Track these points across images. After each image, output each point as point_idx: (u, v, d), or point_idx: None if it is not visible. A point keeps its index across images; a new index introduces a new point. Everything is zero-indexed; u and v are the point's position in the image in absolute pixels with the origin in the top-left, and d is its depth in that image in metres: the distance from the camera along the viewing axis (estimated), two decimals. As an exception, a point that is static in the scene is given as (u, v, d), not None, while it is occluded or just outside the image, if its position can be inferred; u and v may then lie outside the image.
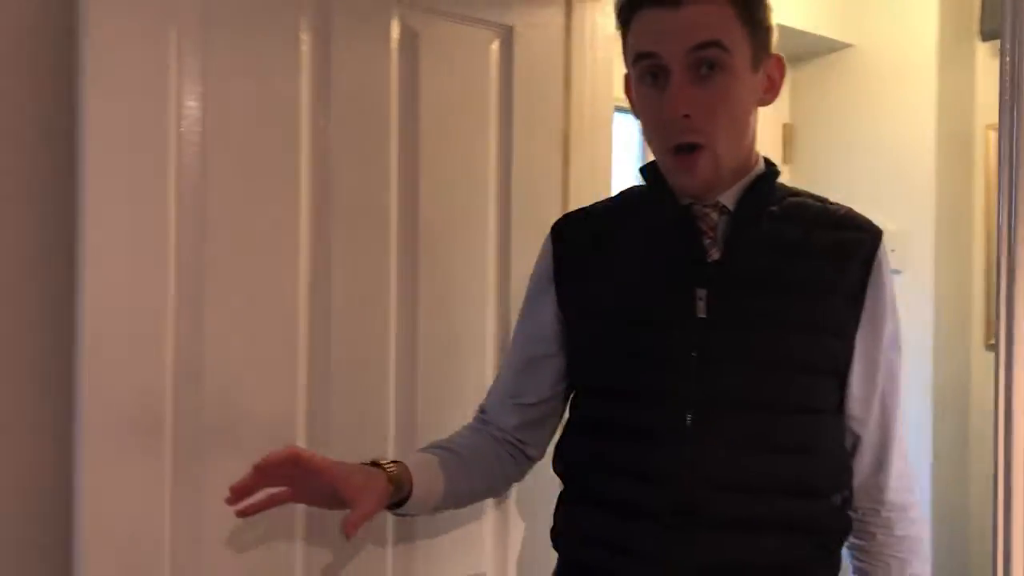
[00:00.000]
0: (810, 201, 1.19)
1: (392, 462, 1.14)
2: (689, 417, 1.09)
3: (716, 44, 1.07)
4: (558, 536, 1.23)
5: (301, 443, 1.30)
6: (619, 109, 1.63)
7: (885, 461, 1.17)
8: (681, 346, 1.10)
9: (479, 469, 1.25)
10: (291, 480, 1.07)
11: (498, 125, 1.50)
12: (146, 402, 1.19)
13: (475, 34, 1.33)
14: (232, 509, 1.06)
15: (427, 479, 1.18)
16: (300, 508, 1.26)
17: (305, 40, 1.33)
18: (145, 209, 1.20)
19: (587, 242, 1.23)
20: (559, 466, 1.25)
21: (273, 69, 1.31)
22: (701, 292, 1.11)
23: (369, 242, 1.40)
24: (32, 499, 1.20)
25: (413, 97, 1.41)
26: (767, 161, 1.20)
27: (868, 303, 1.13)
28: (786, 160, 2.48)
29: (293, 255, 1.33)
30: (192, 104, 1.24)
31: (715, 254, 1.13)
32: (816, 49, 2.42)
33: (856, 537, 1.19)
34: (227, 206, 1.27)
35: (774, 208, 1.15)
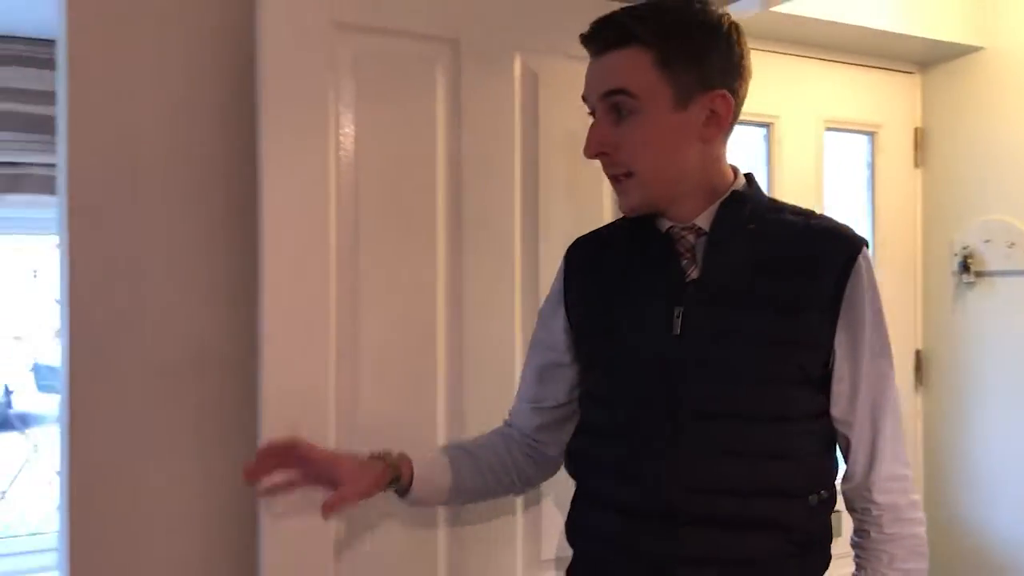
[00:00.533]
0: (790, 217, 1.23)
1: (398, 455, 1.29)
2: (668, 426, 1.17)
3: (622, 91, 1.16)
4: (568, 531, 1.33)
5: (441, 434, 1.56)
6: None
7: (875, 463, 1.20)
8: (657, 361, 1.19)
9: (491, 468, 1.37)
10: (299, 465, 1.25)
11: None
12: (314, 384, 1.46)
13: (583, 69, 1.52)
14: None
15: (431, 473, 1.31)
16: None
17: (440, 81, 1.56)
18: (310, 220, 1.46)
19: (588, 264, 1.33)
20: (569, 467, 1.35)
21: (413, 102, 1.55)
22: (678, 310, 1.18)
23: (495, 249, 1.62)
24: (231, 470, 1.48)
25: (533, 124, 1.63)
26: (749, 179, 1.26)
27: (845, 313, 1.16)
28: (918, 164, 2.49)
29: (432, 258, 1.58)
30: (347, 131, 1.50)
31: (693, 273, 1.20)
32: (946, 54, 2.42)
33: (855, 535, 1.24)
34: (376, 218, 1.53)
35: (752, 226, 1.21)
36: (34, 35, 2.31)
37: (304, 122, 1.45)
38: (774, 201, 1.28)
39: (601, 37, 1.18)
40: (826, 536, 1.23)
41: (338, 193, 1.48)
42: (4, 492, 2.54)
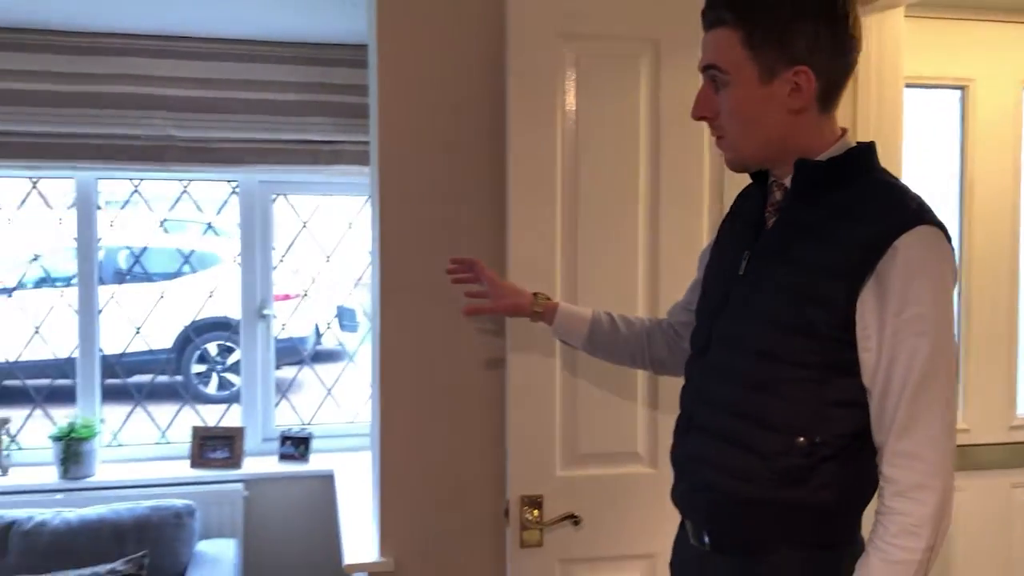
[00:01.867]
0: (863, 189, 1.28)
1: (550, 298, 1.77)
2: (704, 348, 1.42)
3: (714, 67, 1.32)
4: None
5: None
6: (911, 85, 2.00)
7: (888, 436, 1.22)
8: (721, 293, 1.41)
9: (626, 338, 1.71)
10: (477, 278, 1.81)
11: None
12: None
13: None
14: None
15: (569, 321, 1.73)
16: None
17: (643, 75, 1.99)
18: (543, 182, 1.96)
19: (734, 205, 1.54)
20: None
21: (621, 92, 1.99)
22: (747, 253, 1.38)
23: (685, 215, 2.02)
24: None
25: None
26: (859, 148, 1.33)
27: (874, 287, 1.21)
28: None
29: (634, 223, 2.01)
30: (570, 116, 1.97)
31: (770, 224, 1.37)
32: None
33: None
34: (591, 182, 1.99)
35: (829, 193, 1.29)
36: (346, 41, 3.00)
37: (538, 108, 1.95)
38: (871, 172, 1.32)
39: (704, 19, 1.35)
40: (816, 478, 1.27)
41: (563, 162, 1.97)
42: (319, 405, 3.34)
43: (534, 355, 1.97)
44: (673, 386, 1.56)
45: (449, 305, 2.04)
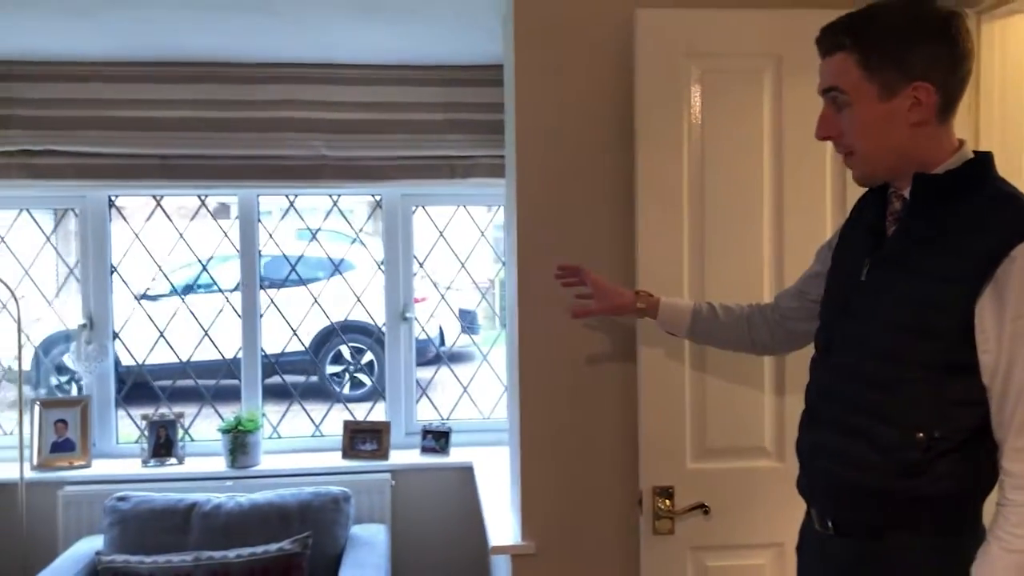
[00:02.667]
0: (981, 200, 1.34)
1: (651, 295, 1.92)
2: (829, 348, 1.52)
3: (835, 89, 1.41)
4: None
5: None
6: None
7: (1007, 433, 1.30)
8: (843, 297, 1.50)
9: (725, 322, 1.83)
10: (582, 281, 1.98)
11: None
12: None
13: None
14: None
15: (672, 314, 1.88)
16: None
17: (767, 88, 2.10)
18: (670, 189, 2.10)
19: (854, 211, 1.61)
20: None
21: (744, 106, 2.10)
22: (867, 261, 1.46)
23: (808, 224, 2.11)
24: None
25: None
26: (976, 159, 1.39)
27: (991, 295, 1.28)
28: None
29: (758, 231, 2.12)
30: (695, 128, 2.10)
31: (890, 230, 1.45)
32: None
33: None
34: (716, 190, 2.11)
35: (947, 204, 1.36)
36: (480, 63, 3.19)
37: (665, 122, 2.08)
38: (989, 182, 1.38)
39: (820, 45, 1.44)
40: (934, 471, 1.34)
41: (689, 174, 2.10)
42: (454, 405, 3.56)
43: (664, 355, 2.11)
44: (798, 384, 1.66)
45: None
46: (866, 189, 1.54)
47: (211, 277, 3.91)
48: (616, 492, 2.25)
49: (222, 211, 3.49)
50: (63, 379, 6.76)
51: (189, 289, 4.62)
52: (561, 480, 2.26)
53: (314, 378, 4.47)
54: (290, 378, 3.74)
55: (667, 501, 2.09)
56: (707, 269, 2.12)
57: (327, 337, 7.01)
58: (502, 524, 2.43)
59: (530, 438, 2.26)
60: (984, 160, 1.40)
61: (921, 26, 1.36)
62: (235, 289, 3.45)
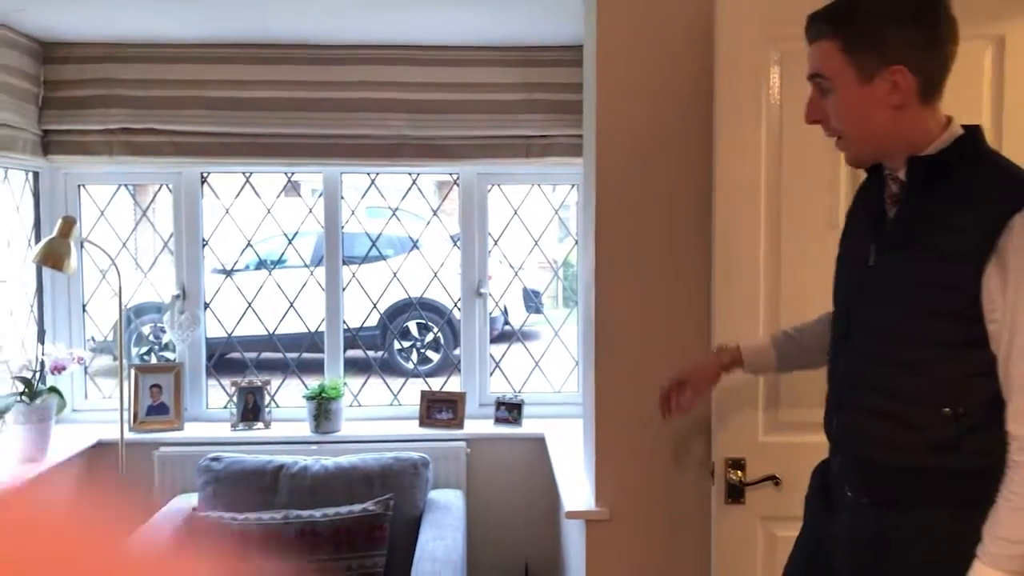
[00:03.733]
0: (975, 176, 1.39)
1: (732, 348, 1.89)
2: (846, 334, 1.56)
3: (819, 75, 1.47)
4: None
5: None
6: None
7: (1010, 394, 1.35)
8: (855, 284, 1.55)
9: (808, 344, 1.84)
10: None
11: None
12: (752, 305, 2.15)
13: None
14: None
15: (756, 357, 1.88)
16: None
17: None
18: (747, 169, 2.14)
19: (856, 196, 1.67)
20: None
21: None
22: (873, 246, 1.51)
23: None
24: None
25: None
26: (966, 135, 1.43)
27: (995, 265, 1.32)
28: None
29: (836, 217, 2.13)
30: (773, 109, 2.14)
31: (891, 212, 1.50)
32: None
33: None
34: (795, 182, 2.14)
35: (942, 182, 1.41)
36: (557, 43, 3.26)
37: (744, 104, 2.13)
38: (981, 156, 1.43)
39: (808, 32, 1.50)
40: (965, 445, 1.40)
41: (767, 154, 2.14)
42: (528, 378, 3.66)
43: (738, 330, 2.16)
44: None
45: (657, 282, 2.27)
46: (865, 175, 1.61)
47: (297, 252, 4.07)
48: (688, 462, 2.33)
49: (291, 190, 3.62)
50: (143, 350, 7.08)
51: (263, 265, 4.80)
52: (634, 450, 2.34)
53: (383, 353, 4.62)
54: (362, 353, 3.88)
55: (738, 472, 2.15)
56: (784, 254, 2.15)
57: (395, 315, 7.21)
58: (575, 492, 2.53)
59: (604, 409, 2.35)
60: (974, 135, 1.44)
61: (898, 11, 1.41)
62: (305, 265, 3.59)
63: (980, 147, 1.45)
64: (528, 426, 3.44)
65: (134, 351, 6.78)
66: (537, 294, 4.82)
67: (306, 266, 4.13)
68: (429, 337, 7.63)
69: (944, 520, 1.43)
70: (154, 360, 6.74)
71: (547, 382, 3.72)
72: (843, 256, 1.65)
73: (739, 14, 2.12)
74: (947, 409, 1.40)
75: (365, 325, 3.99)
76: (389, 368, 4.82)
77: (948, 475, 1.42)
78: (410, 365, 7.36)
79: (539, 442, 3.32)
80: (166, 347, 6.89)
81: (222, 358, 3.89)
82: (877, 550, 1.50)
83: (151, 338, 7.18)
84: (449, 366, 3.88)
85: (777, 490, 2.17)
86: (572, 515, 2.39)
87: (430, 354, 7.75)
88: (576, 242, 3.60)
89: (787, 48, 2.12)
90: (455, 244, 3.65)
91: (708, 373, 1.94)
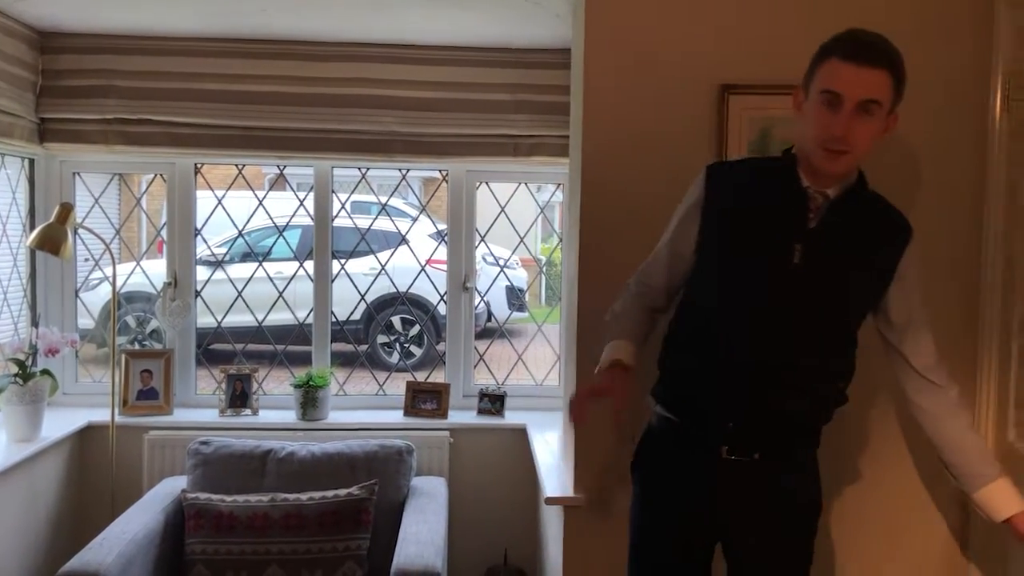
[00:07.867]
0: (880, 206, 1.81)
1: (623, 362, 1.87)
2: (767, 321, 1.75)
3: (876, 101, 1.63)
4: None
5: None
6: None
7: (938, 365, 1.89)
8: (770, 274, 1.75)
9: (644, 324, 2.01)
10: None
11: None
12: None
13: None
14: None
15: (634, 357, 1.90)
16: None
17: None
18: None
19: (730, 190, 1.81)
20: None
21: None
22: (798, 247, 1.73)
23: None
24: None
25: None
26: (861, 173, 1.78)
27: (900, 272, 1.80)
28: None
29: None
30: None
31: (813, 223, 1.74)
32: None
33: (921, 401, 1.90)
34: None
35: (857, 204, 1.76)
36: (546, 46, 3.34)
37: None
38: (871, 191, 1.81)
39: (872, 56, 1.62)
40: (833, 409, 1.90)
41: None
42: (507, 376, 3.76)
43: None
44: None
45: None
46: (724, 169, 1.92)
47: (288, 243, 4.13)
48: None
49: (279, 183, 3.69)
50: (127, 339, 7.11)
51: (248, 256, 4.85)
52: (610, 440, 2.44)
53: (366, 347, 4.69)
54: (346, 346, 3.96)
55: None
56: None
57: (379, 309, 7.28)
58: (555, 480, 2.62)
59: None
60: (860, 170, 1.80)
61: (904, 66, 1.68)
62: (295, 257, 3.67)
63: (864, 177, 1.80)
64: (511, 417, 3.53)
65: (119, 340, 6.81)
66: (521, 291, 4.90)
67: (295, 258, 4.20)
68: (414, 331, 7.71)
69: (812, 458, 1.94)
70: (137, 347, 6.77)
71: (530, 375, 3.82)
72: (745, 245, 1.77)
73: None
74: (841, 383, 1.87)
75: (349, 319, 4.06)
76: (372, 362, 4.89)
77: (818, 430, 1.91)
78: (394, 359, 7.44)
79: (521, 433, 3.42)
80: (150, 337, 6.93)
81: (209, 348, 3.96)
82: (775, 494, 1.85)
83: (136, 328, 7.22)
84: (432, 360, 3.98)
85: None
86: (551, 501, 2.48)
87: (413, 349, 7.84)
88: (560, 240, 3.69)
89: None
90: (442, 239, 3.74)
91: (623, 380, 1.88)
